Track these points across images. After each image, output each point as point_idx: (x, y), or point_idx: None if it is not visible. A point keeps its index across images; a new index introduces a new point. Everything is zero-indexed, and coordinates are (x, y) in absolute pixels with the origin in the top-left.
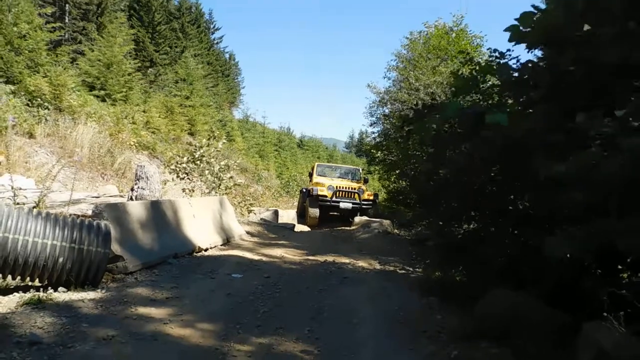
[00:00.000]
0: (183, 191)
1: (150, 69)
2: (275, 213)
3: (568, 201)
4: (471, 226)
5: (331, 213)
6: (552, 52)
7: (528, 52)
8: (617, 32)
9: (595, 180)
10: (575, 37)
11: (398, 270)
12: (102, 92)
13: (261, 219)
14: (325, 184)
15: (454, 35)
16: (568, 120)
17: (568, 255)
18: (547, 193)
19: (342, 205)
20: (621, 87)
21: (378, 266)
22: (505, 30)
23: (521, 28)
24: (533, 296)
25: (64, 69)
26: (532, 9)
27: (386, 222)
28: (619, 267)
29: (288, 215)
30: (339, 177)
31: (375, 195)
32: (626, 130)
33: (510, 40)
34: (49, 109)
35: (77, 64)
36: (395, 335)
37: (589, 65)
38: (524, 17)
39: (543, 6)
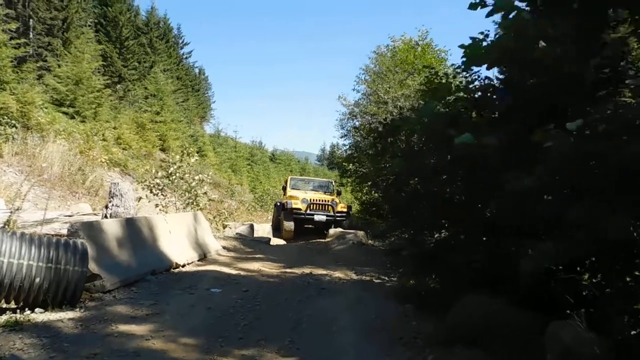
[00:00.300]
0: (157, 207)
1: (118, 85)
2: (251, 227)
3: (529, 212)
4: (442, 235)
5: (306, 226)
6: (511, 71)
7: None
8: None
9: (551, 191)
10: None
11: (374, 280)
12: (71, 109)
13: (237, 233)
14: (299, 197)
15: (419, 49)
16: (528, 135)
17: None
18: (509, 204)
19: (316, 217)
20: (577, 99)
21: (354, 276)
22: (460, 46)
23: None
24: (503, 300)
25: (31, 85)
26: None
27: (360, 233)
28: (580, 269)
29: (263, 229)
30: (312, 190)
31: (349, 207)
32: (582, 139)
33: (465, 67)
34: (16, 127)
35: (43, 80)
36: (373, 342)
37: (547, 81)
38: (474, 44)
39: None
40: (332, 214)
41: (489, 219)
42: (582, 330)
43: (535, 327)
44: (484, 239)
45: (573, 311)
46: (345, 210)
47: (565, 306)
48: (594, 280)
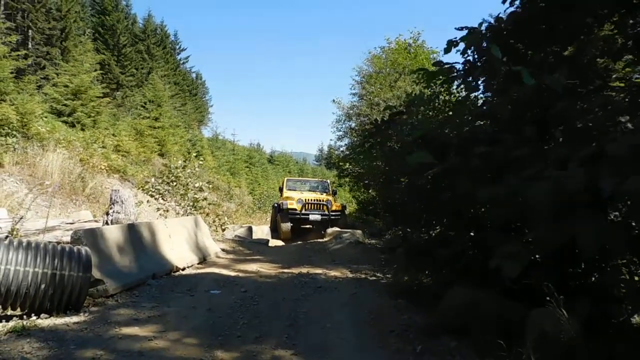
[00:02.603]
0: (157, 210)
1: (117, 92)
2: (249, 229)
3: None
4: (435, 231)
5: (303, 226)
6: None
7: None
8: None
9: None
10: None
11: (369, 277)
12: (71, 118)
13: (236, 235)
14: (295, 198)
15: (412, 50)
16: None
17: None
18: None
19: (311, 217)
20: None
21: (350, 274)
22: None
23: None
24: (488, 292)
25: (30, 95)
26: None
27: (357, 232)
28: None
29: (262, 231)
30: (308, 191)
31: (344, 206)
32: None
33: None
34: (17, 137)
35: (42, 90)
36: (365, 335)
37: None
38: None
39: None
40: (326, 213)
41: (474, 216)
42: (559, 315)
43: (517, 316)
44: (472, 234)
45: (552, 300)
46: (339, 209)
47: (545, 295)
48: (572, 271)
